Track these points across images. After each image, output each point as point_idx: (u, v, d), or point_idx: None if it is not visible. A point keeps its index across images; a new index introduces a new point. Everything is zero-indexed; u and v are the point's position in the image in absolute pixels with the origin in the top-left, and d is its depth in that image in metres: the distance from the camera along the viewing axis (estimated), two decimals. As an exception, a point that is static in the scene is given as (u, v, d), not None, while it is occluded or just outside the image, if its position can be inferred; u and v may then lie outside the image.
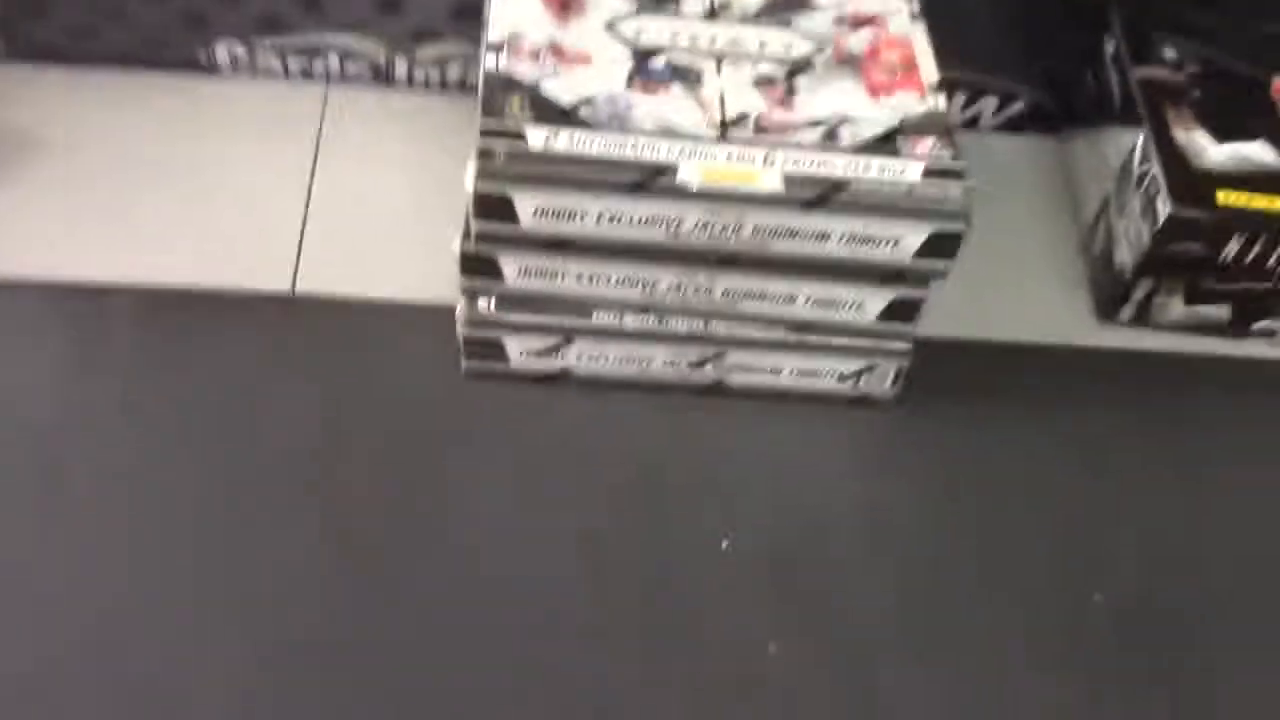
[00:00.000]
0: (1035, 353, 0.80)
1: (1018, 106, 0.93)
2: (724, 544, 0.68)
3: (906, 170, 0.65)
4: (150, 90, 0.84)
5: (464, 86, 0.86)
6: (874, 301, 0.69)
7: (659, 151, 0.63)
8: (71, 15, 0.81)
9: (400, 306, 0.75)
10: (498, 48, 0.67)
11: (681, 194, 0.63)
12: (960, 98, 0.92)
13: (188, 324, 0.73)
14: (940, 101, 0.69)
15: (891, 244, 0.65)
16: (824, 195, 0.63)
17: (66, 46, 0.83)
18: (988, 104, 0.93)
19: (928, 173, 0.65)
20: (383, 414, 0.71)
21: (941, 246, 0.66)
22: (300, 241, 0.78)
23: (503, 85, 0.65)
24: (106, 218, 0.77)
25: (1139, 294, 0.80)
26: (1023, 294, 0.83)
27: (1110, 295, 0.81)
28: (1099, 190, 0.84)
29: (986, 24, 0.87)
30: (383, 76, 0.87)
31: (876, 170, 0.65)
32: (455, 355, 0.72)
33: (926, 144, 0.66)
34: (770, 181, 0.63)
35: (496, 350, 0.71)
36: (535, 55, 0.68)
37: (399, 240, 0.78)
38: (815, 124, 0.67)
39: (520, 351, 0.71)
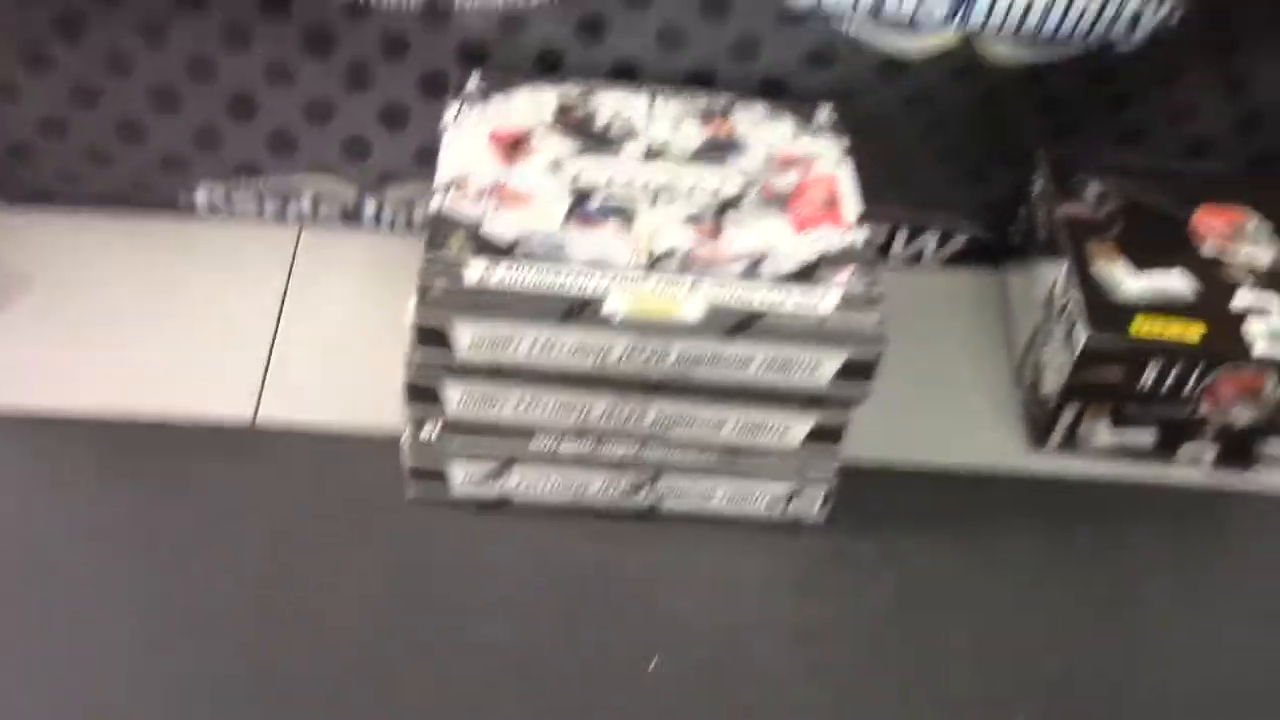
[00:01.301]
0: (966, 478, 0.83)
1: (958, 242, 0.98)
2: (652, 664, 0.70)
3: (823, 299, 0.69)
4: (133, 231, 0.90)
5: (427, 226, 0.92)
6: (798, 426, 0.73)
7: (588, 284, 0.68)
8: (61, 161, 0.87)
9: (354, 436, 0.79)
10: (444, 189, 0.73)
11: (608, 323, 0.67)
12: (902, 234, 0.97)
13: (152, 453, 0.77)
14: (860, 235, 0.73)
15: (810, 369, 0.69)
16: (743, 324, 0.67)
17: (57, 191, 0.89)
18: (929, 240, 0.97)
19: (844, 301, 0.69)
20: (329, 541, 0.74)
21: (858, 371, 0.69)
22: (264, 373, 0.82)
23: (446, 224, 0.70)
24: (82, 352, 0.82)
25: (1065, 420, 0.83)
26: (956, 421, 0.86)
27: (1040, 422, 0.84)
28: (1030, 322, 0.88)
29: (924, 164, 0.92)
30: (352, 217, 0.93)
31: (794, 300, 0.69)
32: (402, 483, 0.75)
33: (844, 274, 0.71)
34: (692, 311, 0.67)
35: (440, 477, 0.75)
36: (479, 195, 0.73)
37: (358, 371, 0.82)
38: (739, 258, 0.71)
39: (463, 478, 0.75)
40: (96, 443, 0.77)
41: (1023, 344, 0.89)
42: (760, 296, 0.68)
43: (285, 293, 0.88)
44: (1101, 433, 0.84)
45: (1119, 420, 0.83)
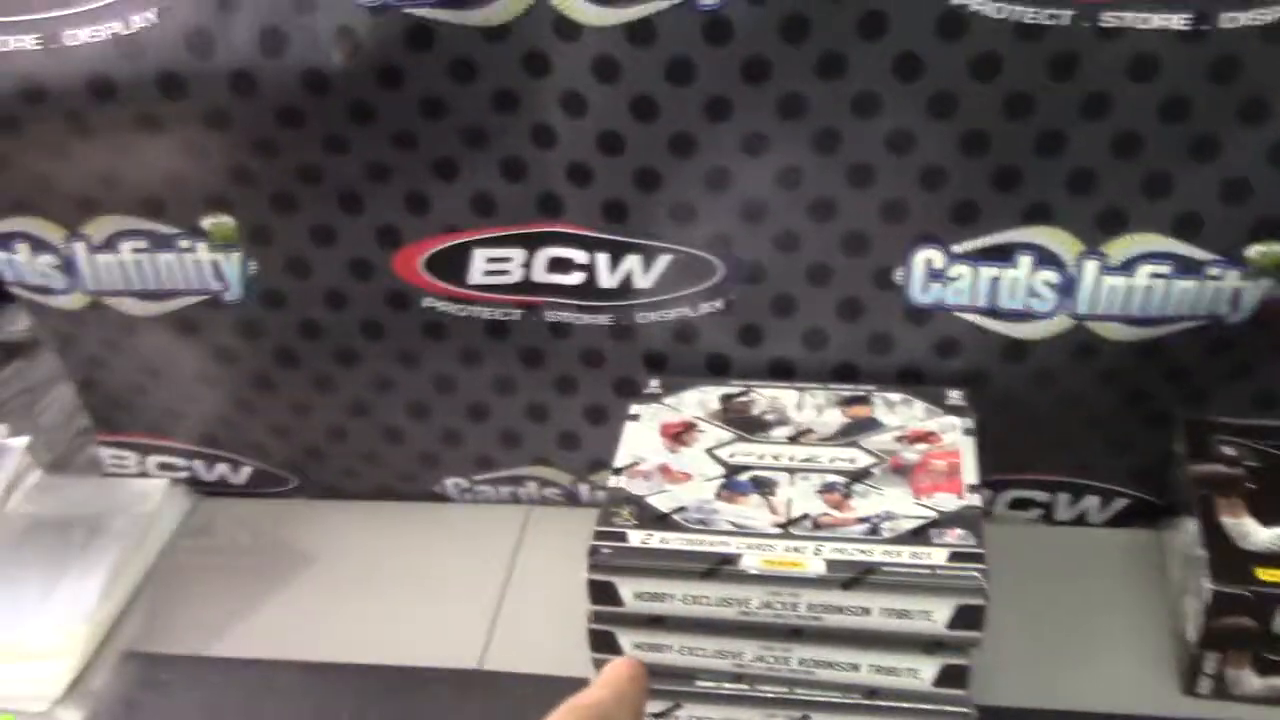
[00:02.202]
0: (1112, 720, 0.88)
1: (1120, 504, 1.05)
2: None
3: (933, 555, 0.80)
4: (396, 516, 1.11)
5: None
6: (926, 668, 0.82)
7: (728, 545, 0.81)
8: (342, 460, 1.10)
9: (564, 680, 0.92)
10: (618, 471, 0.89)
11: (743, 578, 0.80)
12: (1065, 497, 1.05)
13: (401, 691, 0.94)
14: (975, 499, 0.84)
15: (924, 616, 0.79)
16: (858, 577, 0.79)
17: (340, 483, 1.12)
18: (1092, 502, 1.05)
19: (952, 556, 0.80)
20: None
21: (968, 618, 0.79)
22: (491, 627, 0.99)
23: (617, 499, 0.86)
24: (345, 614, 1.01)
25: (1209, 667, 0.88)
26: (1108, 669, 0.92)
27: (1186, 670, 0.89)
28: (1178, 576, 0.94)
29: (1077, 435, 1.01)
30: (572, 498, 1.11)
31: (908, 555, 0.80)
32: None
33: (955, 534, 0.81)
34: (815, 567, 0.80)
35: (623, 712, 0.88)
36: (647, 475, 0.89)
37: (571, 626, 0.96)
38: (863, 520, 0.83)
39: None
40: (351, 684, 0.94)
41: (1174, 596, 0.95)
42: (878, 552, 0.80)
43: (514, 560, 1.05)
44: (1250, 679, 0.88)
45: (1264, 667, 0.87)
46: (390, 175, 0.92)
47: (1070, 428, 1.00)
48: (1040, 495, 1.05)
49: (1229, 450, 0.95)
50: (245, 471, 1.13)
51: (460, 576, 1.04)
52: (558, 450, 1.07)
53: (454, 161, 0.92)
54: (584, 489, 1.09)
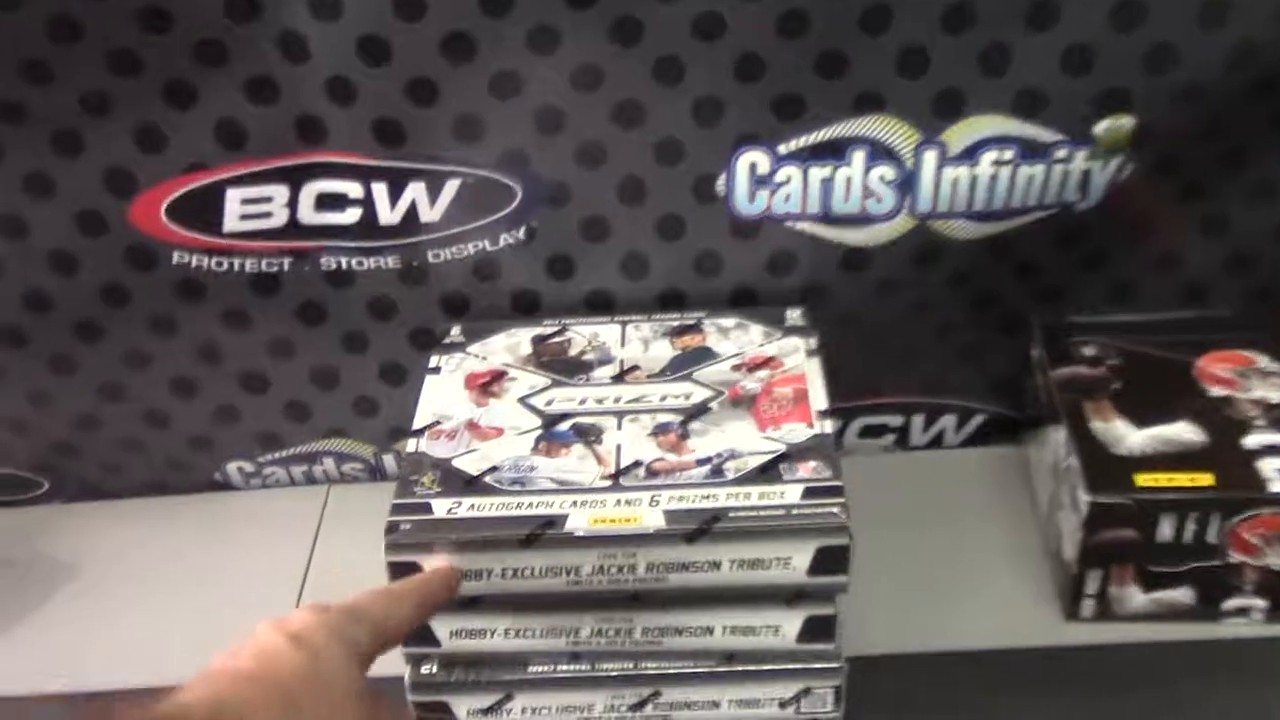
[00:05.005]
0: (995, 658, 0.79)
1: (977, 420, 0.97)
2: None
3: (786, 493, 0.69)
4: (171, 511, 0.96)
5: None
6: (788, 623, 0.72)
7: (550, 506, 0.70)
8: (98, 453, 0.94)
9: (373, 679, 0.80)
10: (418, 433, 0.76)
11: (570, 541, 0.68)
12: (919, 419, 0.97)
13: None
14: (826, 427, 0.74)
15: (782, 564, 0.69)
16: (703, 527, 0.68)
17: (100, 482, 0.96)
18: (948, 421, 0.97)
19: (807, 493, 0.69)
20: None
21: (831, 561, 0.69)
22: (290, 630, 0.85)
23: (417, 465, 0.74)
24: (116, 632, 0.86)
25: (1092, 587, 0.80)
26: (983, 601, 0.83)
27: (1067, 592, 0.81)
28: (1045, 491, 0.86)
29: (920, 349, 0.92)
30: (376, 473, 0.97)
31: (756, 497, 0.69)
32: (413, 721, 0.76)
33: (809, 467, 0.71)
34: (652, 520, 0.68)
35: (445, 712, 0.75)
36: (452, 435, 0.76)
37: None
38: (703, 462, 0.72)
39: (467, 711, 0.75)
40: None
41: (1044, 515, 0.87)
42: (723, 496, 0.69)
43: (313, 547, 0.92)
44: (1135, 596, 0.80)
45: (1148, 581, 0.79)
46: (111, 106, 0.77)
47: (919, 341, 0.91)
48: (893, 419, 0.97)
49: (1090, 350, 0.87)
50: (-16, 477, 0.97)
51: (251, 574, 0.90)
52: (353, 418, 0.94)
53: (187, 84, 0.77)
54: (389, 460, 0.96)
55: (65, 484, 0.97)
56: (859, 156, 0.81)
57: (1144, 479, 0.77)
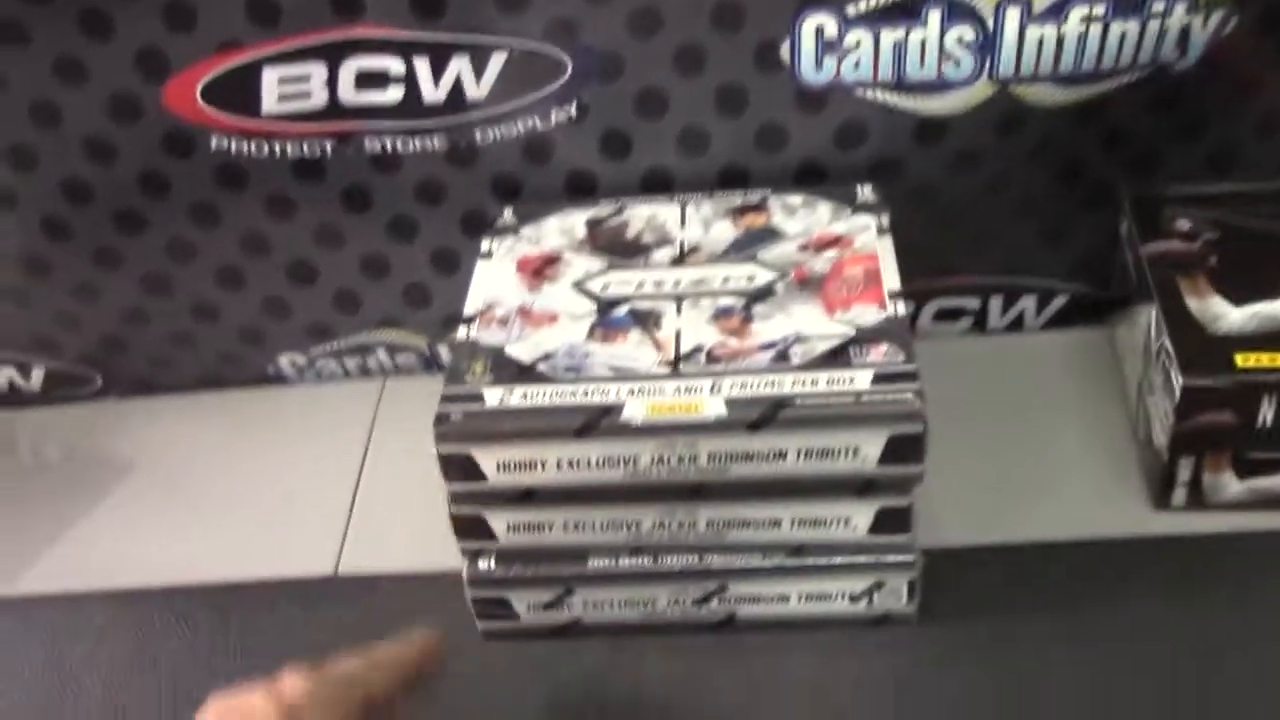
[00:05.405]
0: (1077, 550, 0.75)
1: (1060, 301, 0.92)
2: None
3: (855, 379, 0.65)
4: (225, 406, 0.94)
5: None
6: (860, 515, 0.68)
7: (606, 394, 0.66)
8: (148, 347, 0.92)
9: (431, 577, 0.78)
10: (468, 320, 0.73)
11: (627, 431, 0.65)
12: (997, 301, 0.92)
13: (237, 612, 0.78)
14: (899, 308, 0.69)
15: (852, 454, 0.65)
16: (767, 415, 0.64)
17: (152, 377, 0.95)
18: (1028, 303, 0.92)
19: (878, 378, 0.65)
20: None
21: (904, 451, 0.64)
22: (346, 526, 0.83)
23: (468, 352, 0.70)
24: (174, 530, 0.85)
25: (1184, 475, 0.75)
26: (1067, 492, 0.79)
27: (1157, 480, 0.77)
28: (1134, 374, 0.81)
29: (1000, 227, 0.87)
30: (431, 364, 0.94)
31: (824, 383, 0.65)
32: (473, 618, 0.74)
33: (880, 351, 0.67)
34: (713, 408, 0.65)
35: (505, 608, 0.73)
36: (504, 321, 0.72)
37: (438, 515, 0.82)
38: (767, 346, 0.68)
39: (527, 606, 0.73)
40: (179, 610, 0.79)
41: (1132, 400, 0.82)
42: (789, 383, 0.65)
43: (368, 443, 0.89)
44: (1229, 484, 0.75)
45: (1245, 468, 0.74)
46: (137, -19, 0.73)
47: (999, 217, 0.86)
48: (969, 302, 0.91)
49: (1185, 224, 0.81)
50: (37, 374, 0.95)
51: (306, 469, 0.88)
52: (405, 308, 0.91)
53: (215, -44, 0.73)
54: (444, 351, 0.93)
55: (117, 380, 0.95)
56: (935, 16, 0.75)
57: (1244, 359, 0.71)
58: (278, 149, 0.81)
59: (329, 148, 0.81)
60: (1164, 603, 0.72)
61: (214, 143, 0.80)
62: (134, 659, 0.77)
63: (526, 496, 0.68)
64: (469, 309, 0.74)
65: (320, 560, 0.81)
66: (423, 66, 0.77)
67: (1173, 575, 0.73)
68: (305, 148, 0.81)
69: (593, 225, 0.80)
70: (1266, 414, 0.71)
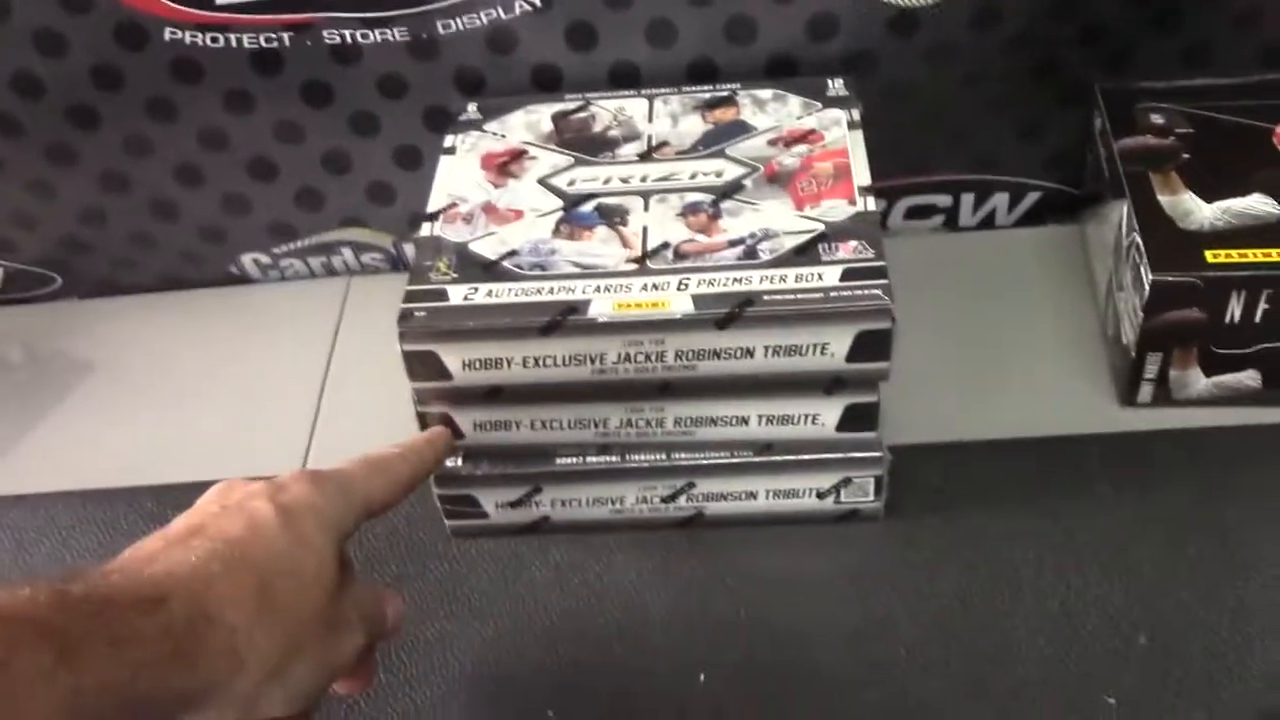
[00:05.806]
0: (1042, 445, 0.75)
1: (1032, 198, 0.91)
2: (700, 678, 0.67)
3: (824, 275, 0.64)
4: (188, 306, 0.93)
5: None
6: (828, 412, 0.68)
7: (571, 291, 0.65)
8: (108, 246, 0.91)
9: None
10: (431, 217, 0.72)
11: (593, 328, 0.64)
12: (969, 198, 0.91)
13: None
14: (869, 204, 0.69)
15: (820, 350, 0.65)
16: (735, 311, 0.63)
17: (113, 276, 0.93)
18: (1000, 200, 0.91)
19: (847, 274, 0.64)
20: (375, 576, 0.74)
21: (872, 347, 0.64)
22: (313, 425, 0.83)
23: (433, 249, 0.69)
24: (136, 429, 0.84)
25: (1151, 371, 0.75)
26: (1035, 388, 0.79)
27: (1125, 376, 0.77)
28: (1105, 270, 0.81)
29: (972, 122, 0.86)
30: (397, 263, 0.93)
31: (792, 279, 0.64)
32: (441, 516, 0.74)
33: (849, 247, 0.66)
34: (680, 305, 0.64)
35: (473, 506, 0.73)
36: (468, 218, 0.71)
37: (403, 412, 0.81)
38: (735, 243, 0.67)
39: (495, 504, 0.73)
40: (145, 509, 0.78)
41: (1101, 297, 0.82)
42: (756, 279, 0.65)
43: (334, 343, 0.88)
44: (1196, 380, 0.76)
45: (1212, 364, 0.75)
46: None
47: (972, 113, 0.85)
48: (941, 199, 0.91)
49: (1158, 118, 0.80)
50: (-5, 274, 0.94)
51: (272, 368, 0.87)
52: (369, 206, 0.89)
53: None
54: (409, 249, 0.92)
55: (78, 279, 0.94)
56: (908, -97, 0.73)
57: (1213, 255, 0.71)
58: (234, 40, 0.78)
59: (287, 39, 0.78)
60: (1130, 497, 0.72)
61: (167, 34, 0.77)
62: (101, 559, 0.76)
63: (493, 394, 0.67)
64: (432, 205, 0.72)
65: (287, 458, 0.80)
66: (380, -48, 0.75)
67: (1139, 470, 0.74)
68: (262, 39, 0.78)
69: (559, 120, 0.78)
70: (1235, 310, 0.71)
